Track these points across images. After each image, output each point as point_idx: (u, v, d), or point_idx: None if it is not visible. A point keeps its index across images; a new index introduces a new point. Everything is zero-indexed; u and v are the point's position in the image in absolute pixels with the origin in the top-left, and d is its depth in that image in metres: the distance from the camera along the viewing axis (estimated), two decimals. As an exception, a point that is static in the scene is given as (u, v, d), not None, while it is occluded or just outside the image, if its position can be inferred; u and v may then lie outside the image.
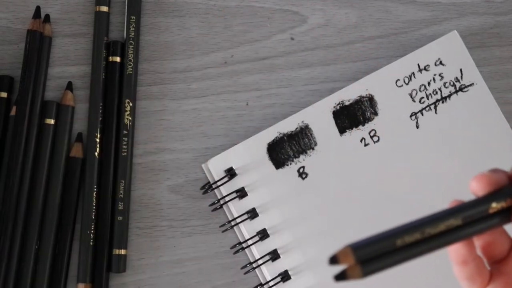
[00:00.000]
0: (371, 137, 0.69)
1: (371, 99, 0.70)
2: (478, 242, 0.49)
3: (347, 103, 0.70)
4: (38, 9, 0.69)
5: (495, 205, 0.46)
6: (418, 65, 0.70)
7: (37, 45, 0.68)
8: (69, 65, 0.70)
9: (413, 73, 0.70)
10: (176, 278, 0.68)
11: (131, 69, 0.69)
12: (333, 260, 0.41)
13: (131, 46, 0.69)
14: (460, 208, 0.45)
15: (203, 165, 0.69)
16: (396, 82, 0.70)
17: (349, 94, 0.70)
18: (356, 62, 0.72)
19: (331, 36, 0.72)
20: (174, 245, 0.68)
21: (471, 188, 0.47)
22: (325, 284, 0.67)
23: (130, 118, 0.69)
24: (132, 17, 0.70)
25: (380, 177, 0.69)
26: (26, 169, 0.66)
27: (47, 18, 0.69)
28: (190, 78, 0.71)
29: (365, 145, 0.69)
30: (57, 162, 0.67)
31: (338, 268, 0.42)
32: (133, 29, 0.70)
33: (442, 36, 0.71)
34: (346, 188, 0.68)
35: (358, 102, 0.70)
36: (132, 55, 0.69)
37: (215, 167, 0.68)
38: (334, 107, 0.69)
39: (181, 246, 0.68)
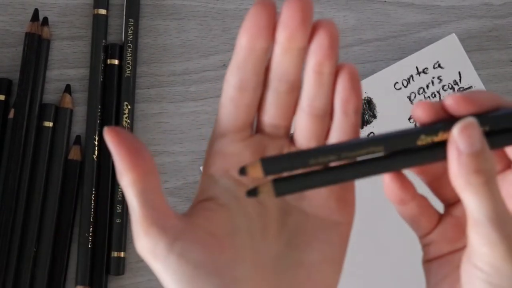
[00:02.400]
0: (370, 140, 0.69)
1: (369, 102, 0.70)
2: (425, 177, 0.47)
3: (345, 106, 0.70)
4: (36, 12, 0.69)
5: (424, 137, 0.42)
6: (417, 68, 0.70)
7: (35, 48, 0.68)
8: (68, 68, 0.70)
9: (411, 76, 0.70)
10: (175, 281, 0.68)
11: (129, 71, 0.69)
12: (242, 171, 0.42)
13: (129, 49, 0.69)
14: (384, 137, 0.42)
15: (201, 168, 0.69)
16: (394, 85, 0.70)
17: (347, 97, 0.70)
18: (354, 65, 0.71)
19: (329, 39, 0.72)
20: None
21: (415, 116, 0.43)
22: None
23: (129, 121, 0.69)
24: (131, 19, 0.70)
25: (378, 180, 0.69)
26: (24, 171, 0.66)
27: (45, 21, 0.69)
28: (188, 81, 0.71)
29: (364, 148, 0.69)
30: (55, 165, 0.67)
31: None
32: (132, 31, 0.70)
33: (440, 39, 0.71)
34: (344, 191, 0.68)
35: (357, 105, 0.70)
36: (131, 57, 0.69)
37: (214, 170, 0.68)
38: (333, 110, 0.69)
39: (180, 249, 0.68)
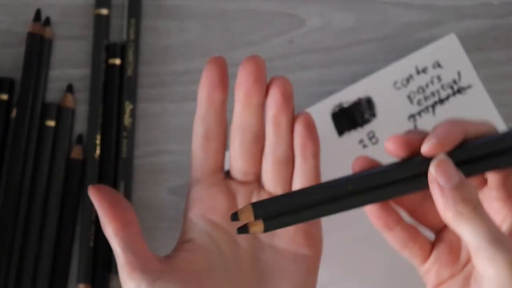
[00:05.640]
0: (370, 138, 0.70)
1: (369, 101, 0.70)
2: (404, 207, 0.49)
3: (345, 105, 0.70)
4: (38, 12, 0.69)
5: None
6: (416, 67, 0.71)
7: (38, 47, 0.69)
8: (69, 68, 0.70)
9: (411, 75, 0.71)
10: (176, 279, 0.68)
11: (131, 71, 0.70)
12: (234, 216, 0.44)
13: (131, 49, 0.70)
14: (360, 176, 0.46)
15: (202, 167, 0.70)
16: (394, 84, 0.71)
17: (347, 96, 0.70)
18: (354, 64, 0.72)
19: (329, 39, 0.72)
20: (174, 246, 0.69)
21: (386, 149, 0.46)
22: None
23: (130, 120, 0.69)
24: (132, 19, 0.70)
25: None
26: (26, 170, 0.67)
27: (47, 21, 0.70)
28: (189, 81, 0.71)
29: (364, 147, 0.70)
30: (57, 164, 0.68)
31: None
32: (133, 31, 0.70)
33: (440, 39, 0.71)
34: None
35: (357, 104, 0.70)
36: (132, 57, 0.70)
37: (215, 169, 0.69)
38: (333, 109, 0.70)
39: (181, 247, 0.69)
